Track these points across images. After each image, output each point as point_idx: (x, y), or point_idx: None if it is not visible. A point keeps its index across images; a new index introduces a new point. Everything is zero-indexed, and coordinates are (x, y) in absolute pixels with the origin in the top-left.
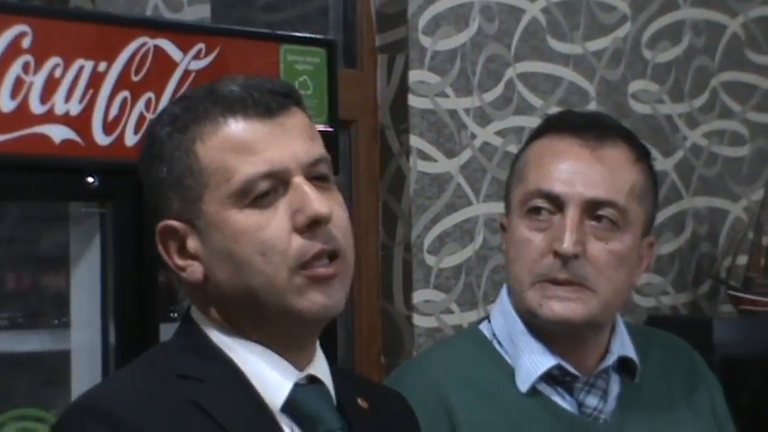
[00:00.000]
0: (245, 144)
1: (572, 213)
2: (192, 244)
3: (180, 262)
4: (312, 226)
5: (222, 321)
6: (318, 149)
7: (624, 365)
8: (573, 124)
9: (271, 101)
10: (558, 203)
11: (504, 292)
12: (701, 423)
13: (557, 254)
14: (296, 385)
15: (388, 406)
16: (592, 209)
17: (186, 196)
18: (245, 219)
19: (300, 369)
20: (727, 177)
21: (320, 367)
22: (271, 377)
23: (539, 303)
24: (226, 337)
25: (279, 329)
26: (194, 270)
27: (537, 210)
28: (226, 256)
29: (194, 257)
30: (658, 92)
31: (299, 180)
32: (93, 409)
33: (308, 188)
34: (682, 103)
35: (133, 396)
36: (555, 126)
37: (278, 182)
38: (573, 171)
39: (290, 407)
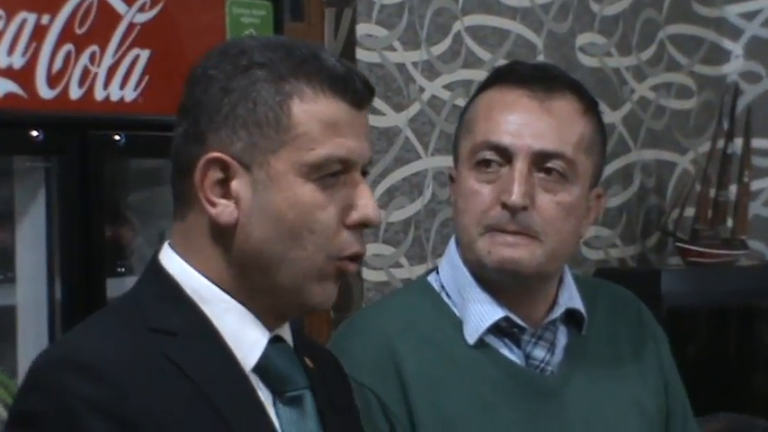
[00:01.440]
0: (336, 123)
1: (520, 165)
2: (239, 186)
3: (213, 197)
4: (359, 227)
5: (215, 270)
6: (371, 154)
7: (572, 317)
8: (521, 75)
9: (365, 92)
10: (506, 155)
11: (452, 243)
12: (647, 374)
13: (505, 205)
14: (267, 344)
15: (326, 366)
16: (540, 161)
17: (259, 143)
18: (309, 192)
19: (270, 330)
20: (674, 130)
21: (286, 328)
22: (246, 335)
23: (488, 251)
24: (205, 289)
25: (274, 301)
26: (228, 211)
27: (485, 162)
28: (275, 217)
29: (234, 199)
30: (606, 45)
31: (360, 177)
32: (71, 360)
33: (368, 189)
34: (629, 56)
35: (109, 347)
36: (503, 77)
37: (344, 170)
38: (521, 123)
39: (260, 366)
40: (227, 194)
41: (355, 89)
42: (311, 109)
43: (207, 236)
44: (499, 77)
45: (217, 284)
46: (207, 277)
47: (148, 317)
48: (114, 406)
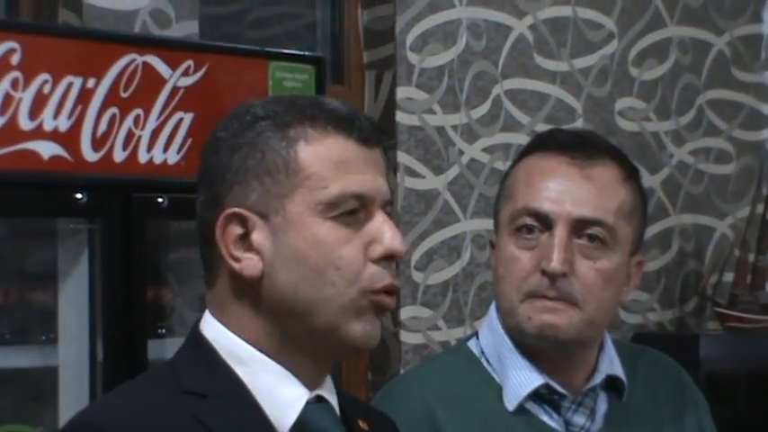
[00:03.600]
0: (345, 161)
1: (560, 232)
2: (259, 237)
3: (236, 252)
4: (385, 260)
5: (250, 330)
6: (389, 192)
7: (612, 383)
8: (562, 142)
9: (371, 131)
10: (546, 222)
11: (492, 309)
12: None
13: (544, 272)
14: (306, 404)
15: (384, 429)
16: (580, 227)
17: (272, 189)
18: (327, 230)
19: (311, 390)
20: (713, 195)
21: (329, 388)
22: (282, 395)
23: (528, 317)
24: (242, 351)
25: (315, 347)
26: (253, 264)
27: (525, 228)
28: (298, 260)
29: (256, 251)
30: (645, 109)
31: (380, 212)
32: (89, 424)
33: (389, 222)
34: (668, 120)
35: (131, 412)
36: (544, 144)
37: (362, 207)
38: (561, 190)
39: (299, 427)
40: (249, 248)
41: (361, 127)
42: (318, 150)
43: (236, 295)
44: (539, 144)
45: (254, 345)
46: (244, 339)
47: (182, 380)
48: None
